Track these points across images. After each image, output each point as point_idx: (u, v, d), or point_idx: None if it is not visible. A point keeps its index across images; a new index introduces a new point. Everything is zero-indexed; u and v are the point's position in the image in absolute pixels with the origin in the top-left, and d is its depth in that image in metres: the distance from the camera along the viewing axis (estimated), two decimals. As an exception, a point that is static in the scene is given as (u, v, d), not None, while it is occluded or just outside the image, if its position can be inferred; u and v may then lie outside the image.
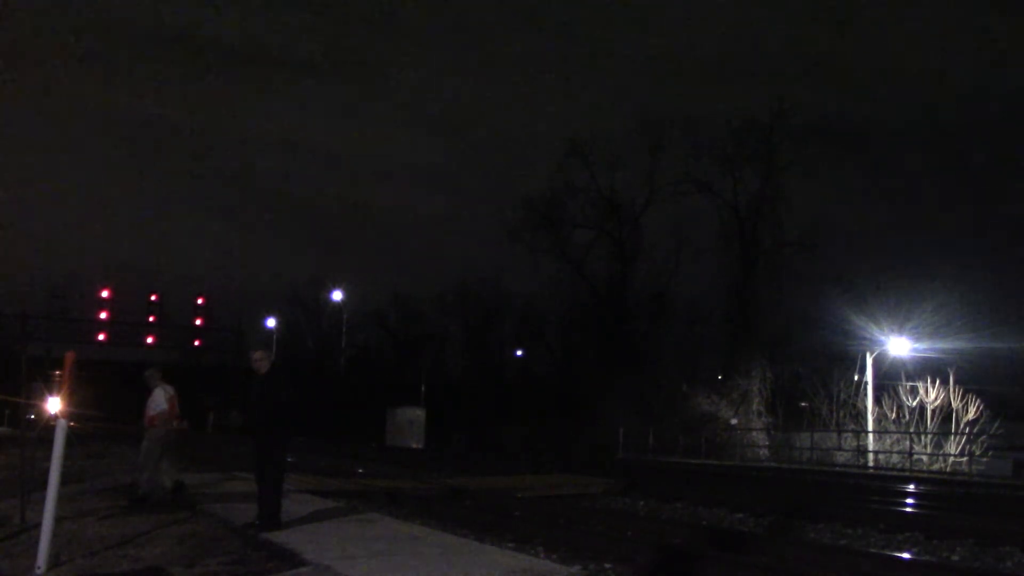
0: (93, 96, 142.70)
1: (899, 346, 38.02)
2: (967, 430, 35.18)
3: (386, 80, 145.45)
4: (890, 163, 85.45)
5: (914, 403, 36.91)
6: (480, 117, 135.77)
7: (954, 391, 35.92)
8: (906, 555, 11.25)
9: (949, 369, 36.36)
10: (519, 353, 71.71)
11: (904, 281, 42.28)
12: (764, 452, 42.63)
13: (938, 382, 36.44)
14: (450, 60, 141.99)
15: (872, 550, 11.65)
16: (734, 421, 45.27)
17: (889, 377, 38.63)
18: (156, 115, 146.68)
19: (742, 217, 50.47)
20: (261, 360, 10.19)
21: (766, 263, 49.51)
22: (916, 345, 37.91)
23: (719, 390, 47.10)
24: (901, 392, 37.47)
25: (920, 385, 36.98)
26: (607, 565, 9.55)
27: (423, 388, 61.87)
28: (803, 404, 41.81)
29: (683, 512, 16.09)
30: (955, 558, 11.30)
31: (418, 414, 56.18)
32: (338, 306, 69.39)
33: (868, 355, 38.38)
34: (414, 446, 51.35)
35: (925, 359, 37.73)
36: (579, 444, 44.58)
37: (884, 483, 25.56)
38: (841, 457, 38.29)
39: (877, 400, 38.32)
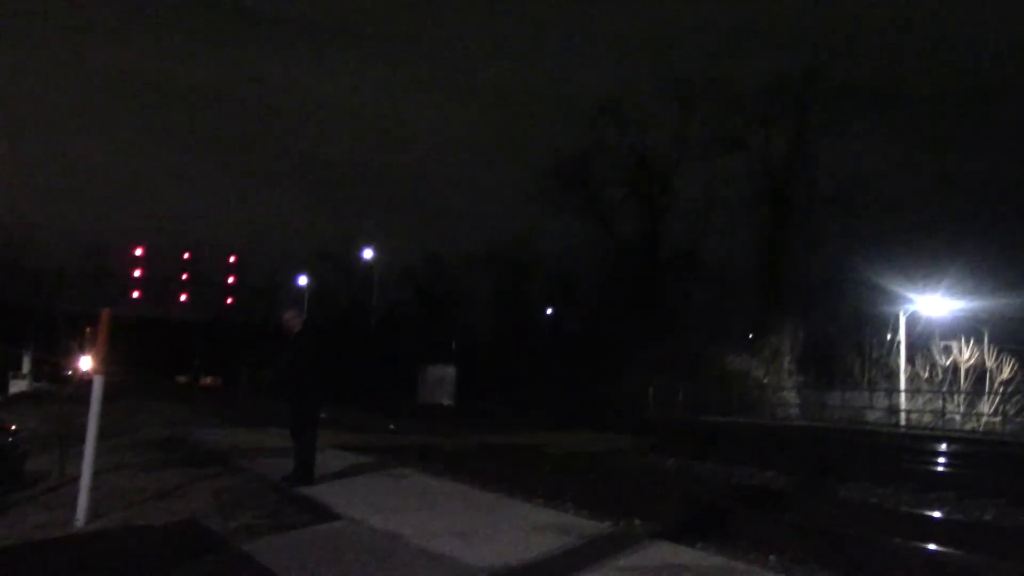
0: (125, 61, 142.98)
1: (932, 305, 37.65)
2: (1001, 389, 34.89)
3: (416, 43, 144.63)
4: (926, 122, 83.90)
5: (947, 362, 36.63)
6: (510, 77, 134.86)
7: (988, 350, 35.61)
8: (937, 514, 11.22)
9: (983, 328, 36.02)
10: (549, 311, 71.68)
11: (938, 240, 41.84)
12: (795, 410, 42.55)
13: (972, 341, 36.12)
14: (479, 22, 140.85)
15: (903, 508, 11.62)
16: (765, 380, 45.14)
17: (922, 336, 38.34)
18: (188, 79, 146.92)
19: (774, 175, 49.95)
20: (292, 319, 10.25)
21: (798, 221, 49.04)
22: (950, 304, 37.51)
23: (750, 348, 46.94)
24: (934, 351, 37.18)
25: (953, 344, 36.66)
26: (637, 521, 9.59)
27: (454, 346, 62.07)
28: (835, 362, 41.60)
29: (712, 470, 16.10)
30: (987, 517, 11.24)
31: (449, 372, 56.44)
32: (369, 264, 69.54)
33: (901, 314, 38.07)
34: (445, 403, 51.68)
35: (959, 318, 37.37)
36: (609, 402, 44.65)
37: (916, 442, 25.45)
38: (872, 416, 38.13)
39: (910, 359, 38.05)
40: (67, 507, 8.41)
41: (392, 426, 24.35)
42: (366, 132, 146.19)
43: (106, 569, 6.38)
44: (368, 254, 68.66)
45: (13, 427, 11.42)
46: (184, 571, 6.27)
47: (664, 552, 6.57)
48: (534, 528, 7.45)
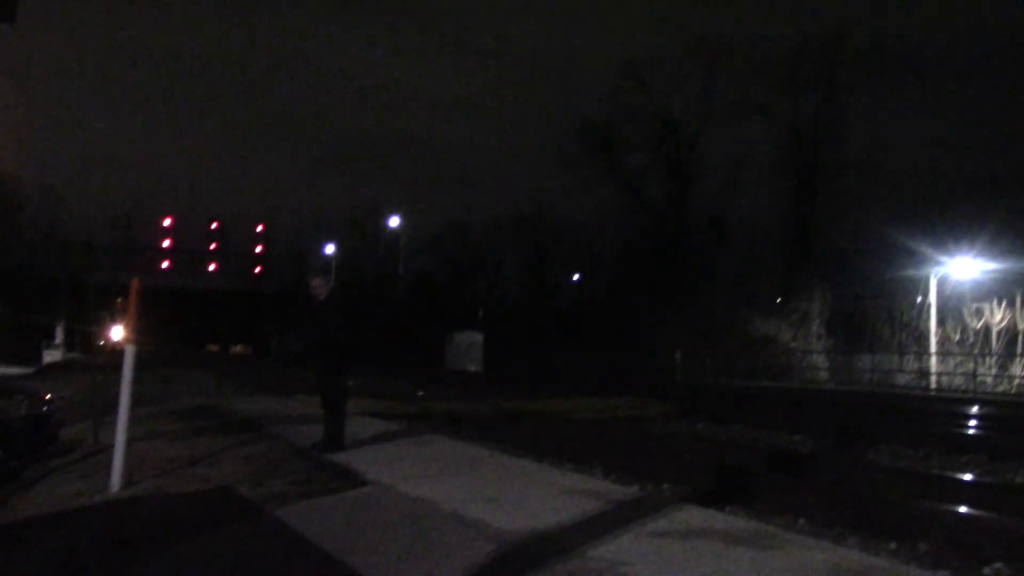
0: (152, 33, 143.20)
1: (964, 267, 37.21)
2: (1034, 352, 34.59)
3: (437, 8, 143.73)
4: (956, 84, 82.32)
5: (979, 324, 36.30)
6: (534, 41, 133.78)
7: (1020, 312, 35.26)
8: (968, 476, 11.17)
9: (1015, 290, 35.65)
10: (576, 277, 71.64)
11: (970, 202, 41.26)
12: (824, 374, 42.38)
13: (1004, 303, 35.76)
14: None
15: (933, 471, 11.57)
16: (793, 344, 44.95)
17: (953, 298, 37.97)
18: (214, 51, 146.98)
19: (802, 138, 49.48)
20: (319, 287, 10.29)
21: (826, 184, 48.67)
22: (981, 266, 37.08)
23: (778, 312, 46.71)
24: (965, 313, 36.84)
25: (985, 306, 36.32)
26: (665, 486, 9.61)
27: (481, 313, 62.25)
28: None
29: (741, 434, 16.10)
30: (1019, 480, 11.18)
31: (476, 338, 56.63)
32: (395, 232, 69.76)
33: (931, 276, 37.69)
34: (472, 370, 51.91)
35: (990, 280, 36.95)
36: (636, 367, 44.67)
37: (947, 405, 25.31)
38: (902, 379, 37.91)
39: (940, 322, 37.73)
40: (102, 474, 8.54)
41: (420, 393, 24.49)
42: (389, 99, 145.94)
43: (141, 535, 6.48)
44: (394, 222, 68.85)
45: (48, 396, 11.59)
46: (217, 536, 6.35)
47: (693, 516, 6.58)
48: (563, 493, 7.48)
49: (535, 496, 7.31)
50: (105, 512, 7.37)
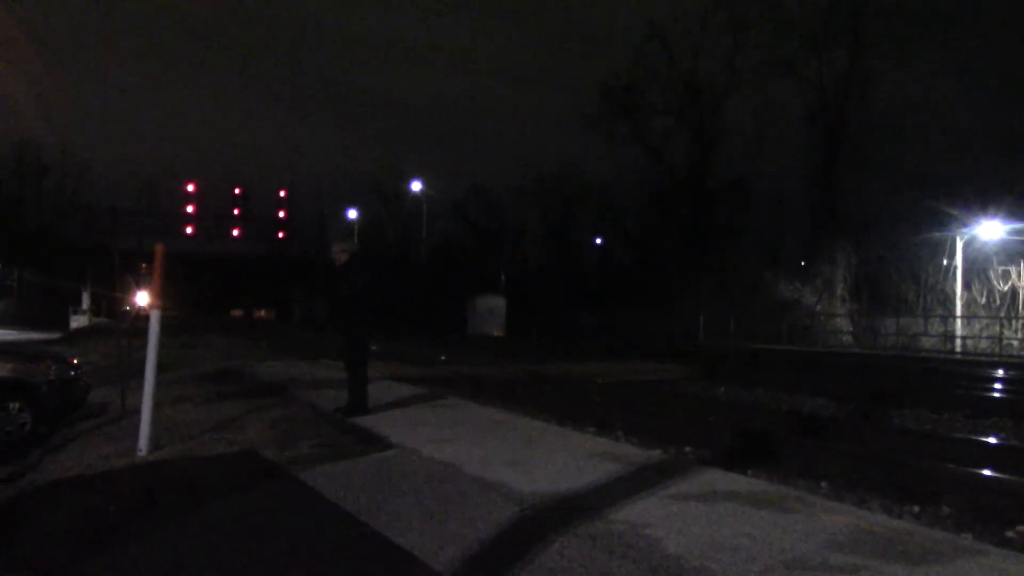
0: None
1: (990, 229, 36.76)
2: (1061, 315, 34.23)
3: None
4: (986, 44, 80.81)
5: (1005, 287, 35.93)
6: (557, 3, 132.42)
7: (1049, 275, 34.89)
8: (993, 440, 11.11)
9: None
10: (598, 241, 71.51)
11: (997, 163, 40.77)
12: (847, 338, 42.17)
13: (1032, 266, 35.37)
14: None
15: (957, 435, 11.52)
16: (817, 308, 44.72)
17: (979, 261, 37.55)
18: (236, 14, 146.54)
19: (827, 99, 48.88)
20: (340, 252, 10.31)
21: (852, 146, 48.08)
22: (1008, 228, 36.62)
23: (802, 276, 46.46)
24: (992, 276, 36.46)
25: (1012, 269, 35.92)
26: (687, 448, 9.63)
27: (503, 277, 62.28)
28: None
29: (764, 398, 16.07)
30: (1044, 443, 11.11)
31: (498, 303, 56.66)
32: (418, 197, 69.67)
33: (958, 238, 37.29)
34: (495, 334, 51.99)
35: (1018, 242, 36.51)
36: (659, 331, 44.62)
37: (972, 368, 25.13)
38: (927, 343, 37.64)
39: (966, 285, 37.35)
40: (129, 438, 8.64)
41: (443, 357, 24.56)
42: (413, 63, 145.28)
43: (169, 497, 6.57)
44: (417, 187, 68.70)
45: (75, 361, 11.70)
46: (243, 499, 6.43)
47: (715, 479, 6.59)
48: (585, 456, 7.50)
49: (557, 459, 7.34)
50: (133, 475, 7.47)
